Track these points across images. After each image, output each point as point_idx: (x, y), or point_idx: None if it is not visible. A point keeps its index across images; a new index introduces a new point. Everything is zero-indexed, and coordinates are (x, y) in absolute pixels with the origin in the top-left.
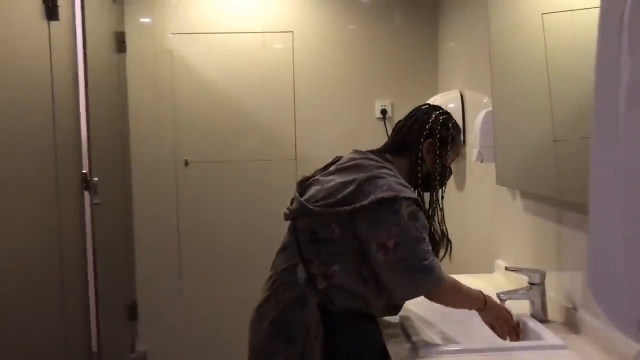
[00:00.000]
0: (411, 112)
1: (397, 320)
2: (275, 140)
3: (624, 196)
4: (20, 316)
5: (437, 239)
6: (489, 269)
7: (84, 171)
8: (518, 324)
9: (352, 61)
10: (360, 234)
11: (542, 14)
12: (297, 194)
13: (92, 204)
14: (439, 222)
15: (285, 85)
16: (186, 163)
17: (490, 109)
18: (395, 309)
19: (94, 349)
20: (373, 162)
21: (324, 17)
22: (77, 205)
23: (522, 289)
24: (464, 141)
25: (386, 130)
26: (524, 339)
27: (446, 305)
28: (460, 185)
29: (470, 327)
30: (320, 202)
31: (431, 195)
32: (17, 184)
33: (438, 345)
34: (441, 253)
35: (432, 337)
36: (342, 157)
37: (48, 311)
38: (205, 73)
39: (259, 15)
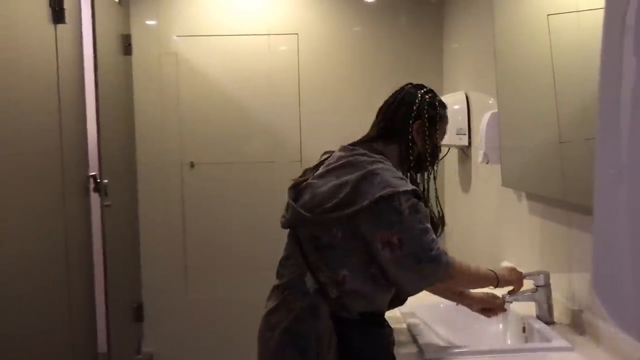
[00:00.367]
0: (395, 94)
1: (404, 325)
2: (281, 142)
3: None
4: (27, 317)
5: (436, 220)
6: None
7: (92, 173)
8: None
9: (357, 63)
10: (363, 235)
11: (548, 15)
12: (291, 201)
13: (102, 206)
14: (435, 202)
15: (290, 87)
16: (192, 165)
17: (496, 110)
18: (402, 300)
19: (100, 350)
20: (364, 158)
21: (328, 18)
22: (83, 207)
23: (527, 291)
24: (470, 143)
25: None
26: (530, 341)
27: (457, 286)
28: (466, 187)
29: (477, 329)
30: (318, 209)
31: (423, 176)
32: (23, 186)
33: (444, 348)
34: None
35: (439, 340)
36: (332, 152)
37: (54, 312)
38: (210, 75)
39: (264, 18)
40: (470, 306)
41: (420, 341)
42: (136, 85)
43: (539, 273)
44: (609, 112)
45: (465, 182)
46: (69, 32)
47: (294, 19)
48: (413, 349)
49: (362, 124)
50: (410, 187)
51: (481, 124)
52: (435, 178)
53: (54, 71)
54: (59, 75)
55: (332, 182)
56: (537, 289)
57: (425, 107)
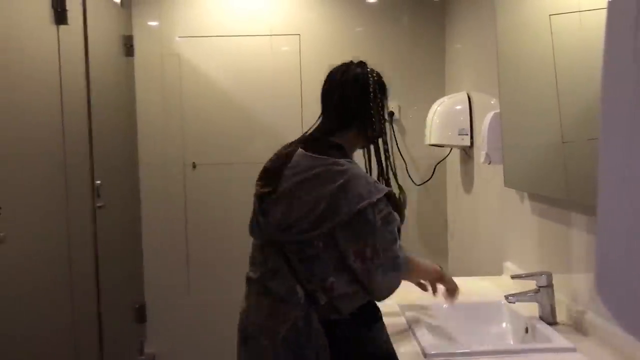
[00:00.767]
0: (339, 79)
1: (406, 325)
2: (283, 142)
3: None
4: (29, 318)
5: (399, 204)
6: (497, 271)
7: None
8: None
9: None
10: (339, 245)
11: (550, 15)
12: (261, 217)
13: (94, 207)
14: (395, 181)
15: (292, 87)
16: (194, 166)
17: (498, 110)
18: None
19: (103, 350)
20: (337, 168)
21: (331, 19)
22: (87, 208)
23: (530, 291)
24: (472, 143)
25: (393, 133)
26: (532, 342)
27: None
28: (468, 188)
29: (479, 330)
30: (294, 228)
31: (376, 147)
32: (26, 187)
33: (447, 348)
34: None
35: (441, 340)
36: (292, 146)
37: (57, 313)
38: (212, 76)
39: (266, 18)
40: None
41: (423, 342)
42: (138, 86)
43: (541, 273)
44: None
45: (468, 182)
46: (72, 34)
47: (296, 19)
48: (415, 349)
49: None
50: (382, 191)
51: (483, 124)
52: (387, 151)
53: (56, 72)
54: (62, 77)
55: (306, 197)
56: (539, 290)
57: (377, 84)
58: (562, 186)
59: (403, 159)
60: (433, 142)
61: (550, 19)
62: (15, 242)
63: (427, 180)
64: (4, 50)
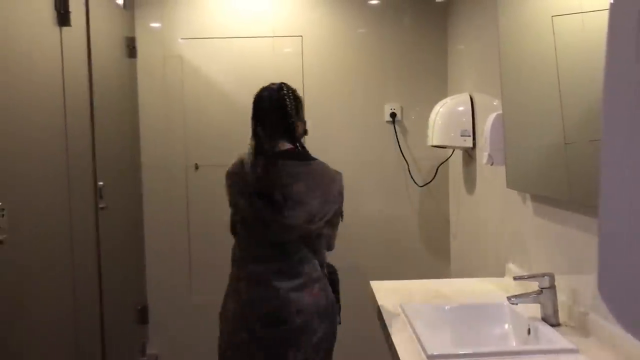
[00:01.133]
0: (272, 104)
1: (409, 326)
2: None
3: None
4: (32, 319)
5: None
6: (500, 272)
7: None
8: None
9: (362, 65)
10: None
11: (552, 16)
12: (277, 215)
13: (96, 208)
14: None
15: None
16: (196, 167)
17: (500, 111)
18: None
19: (105, 352)
20: (323, 165)
21: (333, 20)
22: (90, 210)
23: (532, 292)
24: (474, 144)
25: (395, 134)
26: (535, 344)
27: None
28: (471, 189)
29: (481, 331)
30: (316, 221)
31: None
32: (30, 188)
33: (449, 349)
34: None
35: (443, 341)
36: (244, 160)
37: (59, 314)
38: (214, 77)
39: (269, 20)
40: None
41: (424, 342)
42: (141, 87)
43: (544, 275)
44: (613, 113)
45: (470, 183)
46: (74, 35)
47: (299, 21)
48: (417, 349)
49: (366, 126)
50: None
51: (486, 125)
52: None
53: (59, 74)
54: (65, 78)
55: (317, 197)
56: (542, 291)
57: (295, 97)
58: (564, 187)
59: (405, 160)
60: (435, 143)
61: (552, 20)
62: (18, 243)
63: (430, 182)
64: (6, 52)
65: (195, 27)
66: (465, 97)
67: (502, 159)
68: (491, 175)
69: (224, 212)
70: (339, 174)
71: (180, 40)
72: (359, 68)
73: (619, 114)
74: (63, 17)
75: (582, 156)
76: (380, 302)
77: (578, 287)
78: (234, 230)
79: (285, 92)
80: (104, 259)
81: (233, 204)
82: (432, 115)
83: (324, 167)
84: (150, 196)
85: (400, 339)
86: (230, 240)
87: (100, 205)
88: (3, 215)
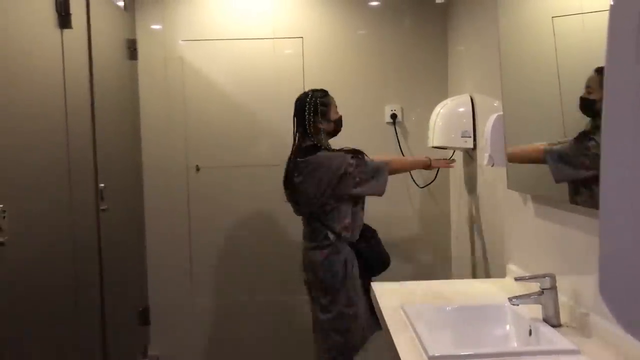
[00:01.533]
0: (296, 109)
1: (410, 327)
2: (286, 145)
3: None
4: (33, 321)
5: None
6: (501, 273)
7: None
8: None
9: (362, 66)
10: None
11: (553, 17)
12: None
13: (97, 210)
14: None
15: (295, 90)
16: (197, 168)
17: (501, 112)
18: None
19: (107, 353)
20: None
21: (333, 22)
22: (91, 211)
23: (533, 293)
24: (475, 145)
25: (396, 135)
26: (536, 345)
27: None
28: (471, 190)
29: (482, 332)
30: (318, 200)
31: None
32: (31, 190)
33: (450, 350)
34: None
35: (445, 342)
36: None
37: (61, 316)
38: (215, 79)
39: (269, 21)
40: None
41: (426, 342)
42: (142, 89)
43: (545, 276)
44: (614, 114)
45: (471, 184)
46: (76, 38)
47: (299, 22)
48: (418, 351)
49: (366, 127)
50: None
51: (486, 126)
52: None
53: (60, 75)
54: (66, 81)
55: (312, 185)
56: (543, 292)
57: (313, 105)
58: (565, 188)
59: None
60: (436, 144)
61: (553, 21)
62: (19, 244)
63: (430, 183)
64: (7, 54)
65: (196, 29)
66: (465, 98)
67: (502, 160)
68: (492, 176)
69: (225, 214)
70: (338, 157)
71: (181, 42)
72: (360, 69)
73: (619, 114)
74: (64, 20)
75: None
76: (381, 303)
77: (579, 287)
78: None
79: (308, 98)
80: (105, 261)
81: None
82: (433, 116)
83: (320, 159)
84: (152, 198)
85: (401, 340)
86: (230, 242)
87: (102, 207)
88: (4, 217)
